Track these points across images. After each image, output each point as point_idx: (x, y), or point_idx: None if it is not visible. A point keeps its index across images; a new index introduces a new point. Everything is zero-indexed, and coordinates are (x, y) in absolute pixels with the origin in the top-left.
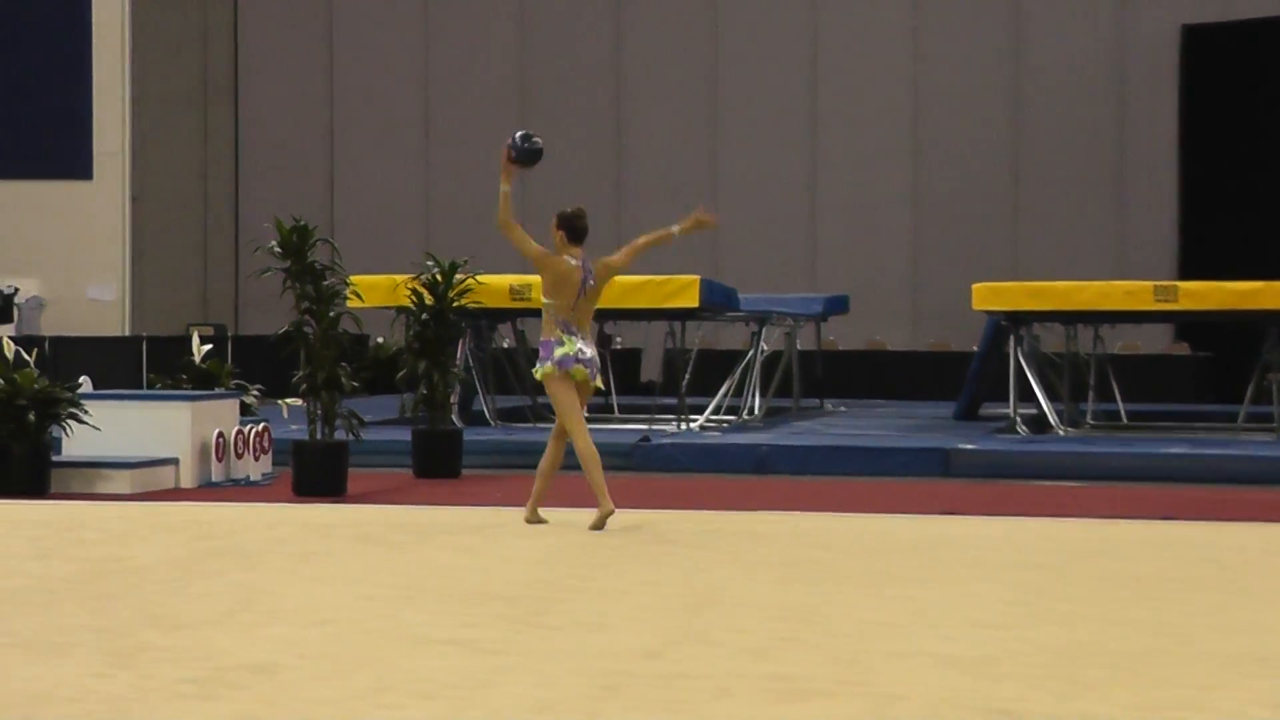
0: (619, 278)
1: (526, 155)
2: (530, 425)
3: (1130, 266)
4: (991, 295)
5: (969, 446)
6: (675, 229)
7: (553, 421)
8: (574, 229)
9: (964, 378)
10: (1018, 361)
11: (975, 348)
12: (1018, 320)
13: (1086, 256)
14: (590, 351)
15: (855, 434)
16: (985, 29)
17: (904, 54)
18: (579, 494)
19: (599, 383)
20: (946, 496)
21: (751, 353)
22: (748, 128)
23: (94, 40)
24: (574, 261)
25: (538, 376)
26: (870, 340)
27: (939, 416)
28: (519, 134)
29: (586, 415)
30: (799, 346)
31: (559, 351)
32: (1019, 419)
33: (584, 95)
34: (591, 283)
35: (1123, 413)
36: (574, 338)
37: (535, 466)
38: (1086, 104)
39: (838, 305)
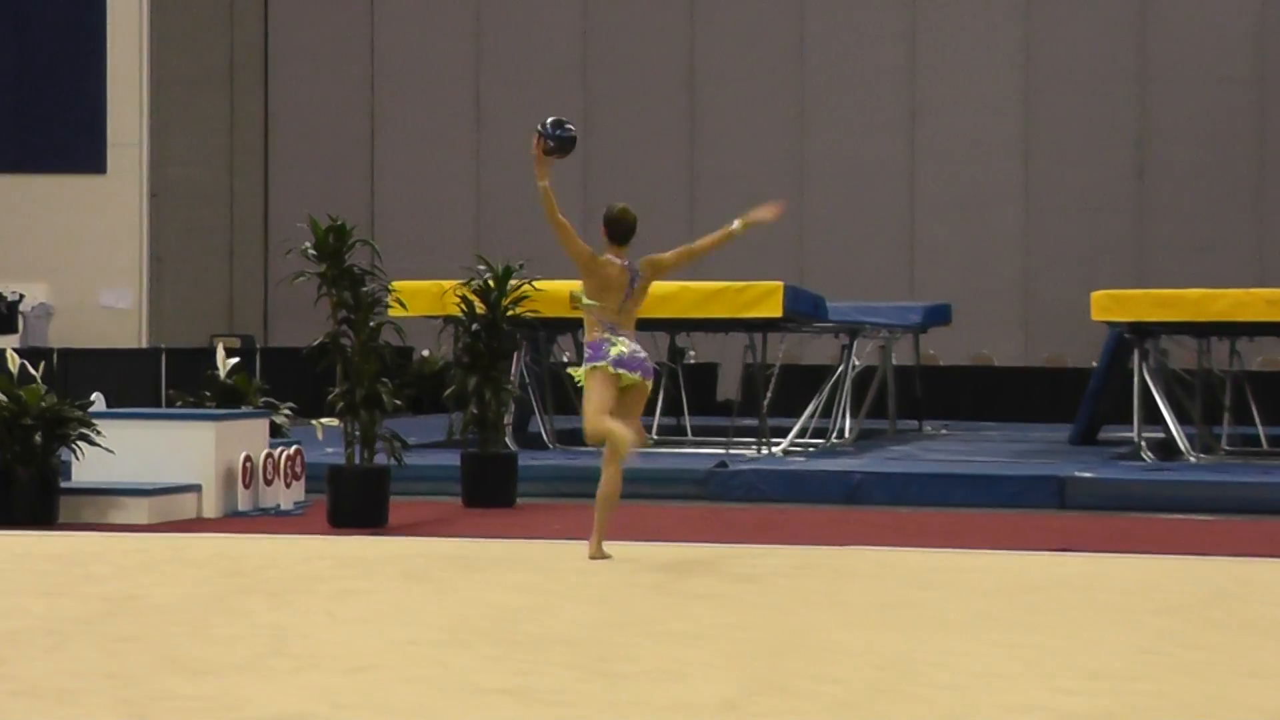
0: (692, 285)
1: (561, 144)
2: (593, 449)
3: (1271, 272)
4: (1113, 304)
5: (1087, 474)
6: (736, 225)
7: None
8: (616, 228)
9: (1081, 397)
10: (1142, 379)
11: (1094, 363)
12: (1143, 332)
13: (1221, 261)
14: (643, 354)
15: (958, 460)
16: (1106, 2)
17: (1014, 31)
18: (649, 526)
19: (649, 384)
20: (1062, 530)
21: (841, 368)
22: (838, 113)
23: (108, 19)
24: (619, 262)
25: (578, 375)
26: (975, 355)
27: (1053, 440)
28: (549, 120)
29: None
30: (895, 361)
31: (614, 350)
32: (1144, 444)
33: (654, 77)
34: (638, 284)
35: (1262, 437)
36: (622, 339)
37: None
38: (1221, 87)
39: (939, 315)
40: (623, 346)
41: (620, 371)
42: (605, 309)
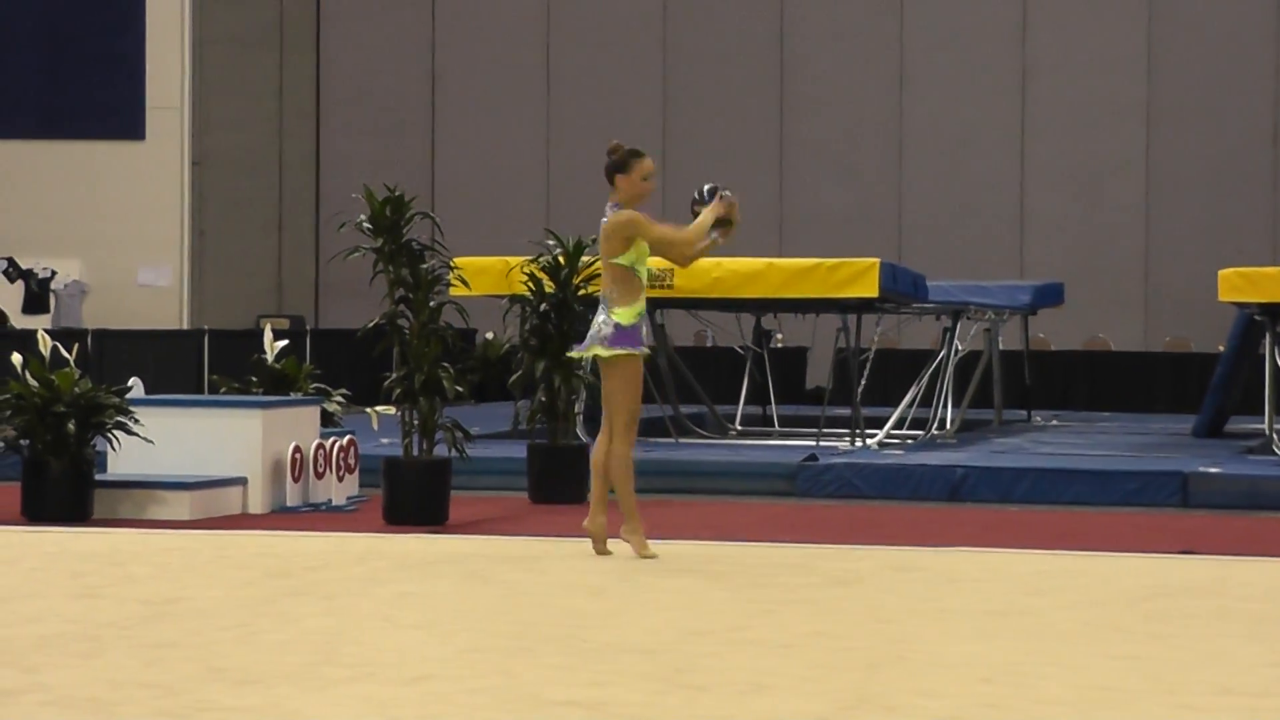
0: (780, 262)
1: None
2: (672, 440)
3: None
4: (1243, 283)
5: (1213, 470)
6: (716, 235)
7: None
8: (607, 168)
9: (1207, 385)
10: (1275, 365)
11: (1221, 348)
12: (1276, 314)
13: None
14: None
15: (1071, 454)
16: None
17: None
18: (733, 524)
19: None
20: (1185, 531)
21: (943, 353)
22: (941, 75)
23: None
24: (608, 206)
25: (601, 354)
26: (1090, 339)
27: (1176, 433)
28: (706, 189)
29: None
30: (1001, 346)
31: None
32: (1276, 436)
33: (741, 34)
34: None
35: None
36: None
37: (677, 489)
38: None
39: (1050, 295)
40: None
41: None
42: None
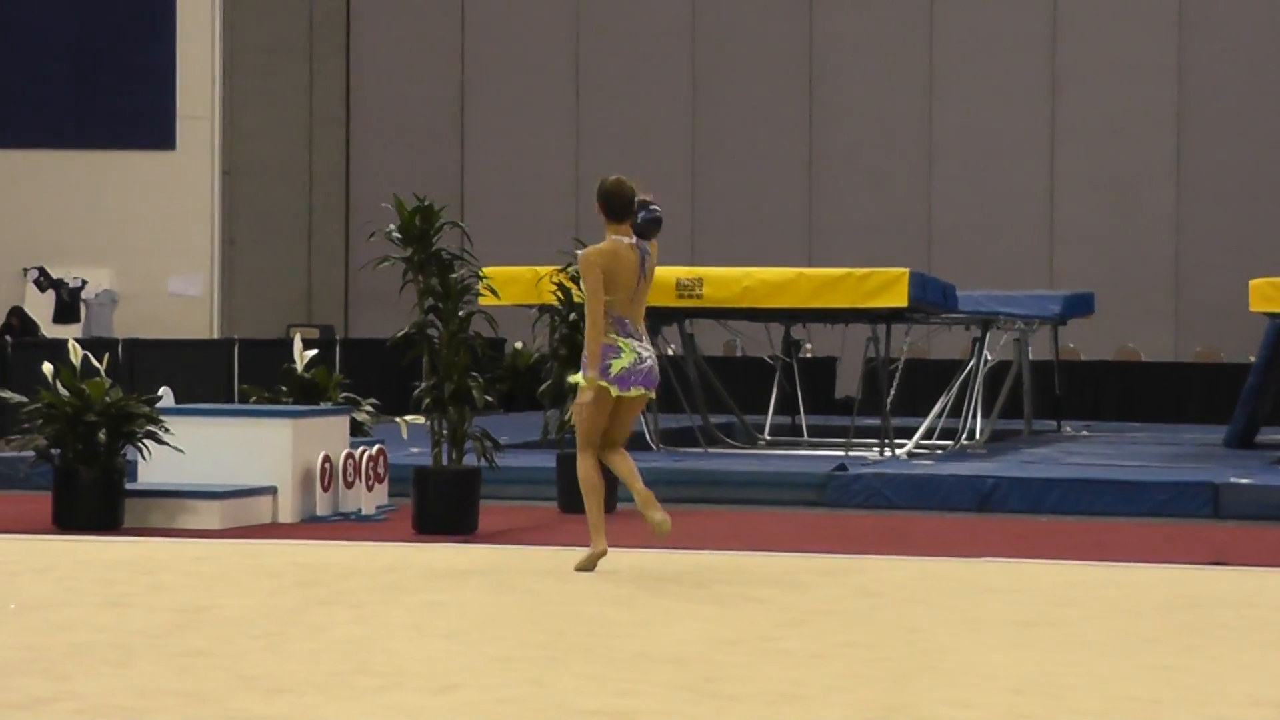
0: (810, 272)
1: (646, 226)
2: (700, 450)
3: None
4: (1274, 293)
5: (1244, 481)
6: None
7: (731, 445)
8: (616, 201)
9: (1238, 395)
10: None
11: (1252, 358)
12: None
13: None
14: (650, 358)
15: (1102, 464)
16: None
17: None
18: (762, 534)
19: (653, 393)
20: (1216, 542)
21: (972, 363)
22: (971, 83)
23: None
24: (627, 240)
25: (572, 382)
26: (1120, 348)
27: (1207, 443)
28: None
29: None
30: (1031, 356)
31: (617, 365)
32: None
33: (769, 42)
34: (648, 263)
35: None
36: (631, 339)
37: (706, 499)
38: None
39: (1080, 305)
40: (629, 355)
41: (625, 391)
42: (616, 301)
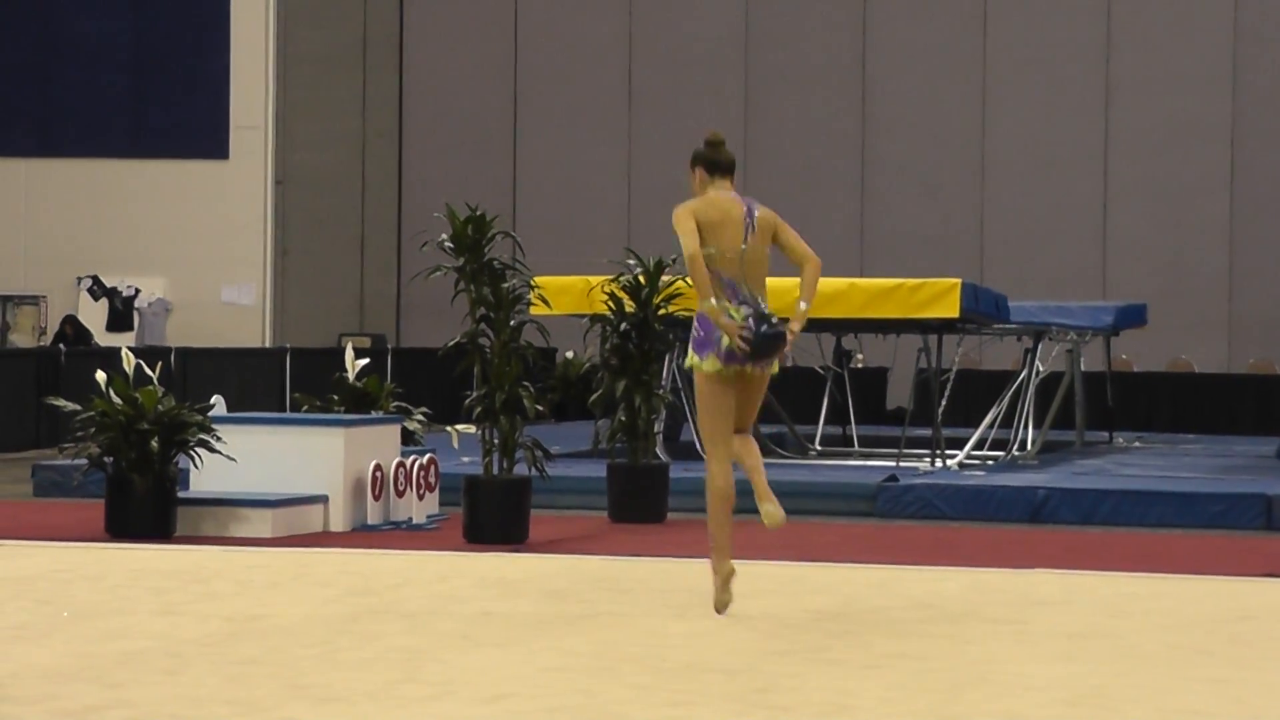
0: (861, 282)
1: (762, 346)
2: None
3: None
4: None
5: None
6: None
7: (783, 455)
8: (712, 160)
9: None
10: None
11: None
12: None
13: None
14: (764, 324)
15: (1154, 476)
16: None
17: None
18: (814, 544)
19: (775, 368)
20: (1270, 554)
21: (1024, 374)
22: (1024, 93)
23: None
24: (729, 193)
25: (688, 366)
26: (1174, 360)
27: (1260, 455)
28: (752, 317)
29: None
30: (1084, 367)
31: (726, 339)
32: None
33: (822, 52)
34: (756, 220)
35: None
36: (745, 307)
37: (757, 509)
38: None
39: (1133, 316)
40: (739, 318)
41: (738, 367)
42: (723, 256)
